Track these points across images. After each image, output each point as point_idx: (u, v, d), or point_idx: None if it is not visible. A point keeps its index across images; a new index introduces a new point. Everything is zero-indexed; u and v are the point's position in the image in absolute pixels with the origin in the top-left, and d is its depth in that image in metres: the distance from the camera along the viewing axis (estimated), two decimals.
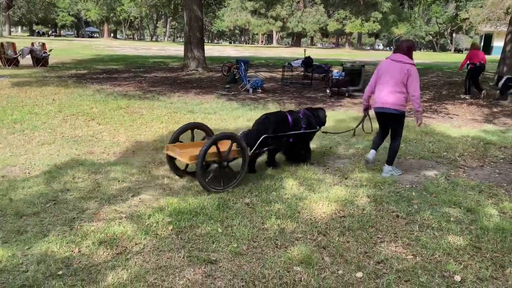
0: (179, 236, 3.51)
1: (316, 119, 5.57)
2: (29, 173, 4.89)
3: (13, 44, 17.27)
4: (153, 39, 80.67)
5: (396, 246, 3.48)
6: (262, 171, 5.24)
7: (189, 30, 16.90)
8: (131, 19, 70.92)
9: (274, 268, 3.08)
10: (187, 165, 4.88)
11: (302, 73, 16.21)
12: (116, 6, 61.15)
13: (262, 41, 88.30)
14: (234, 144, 4.62)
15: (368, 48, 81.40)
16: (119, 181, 4.73)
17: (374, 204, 4.33)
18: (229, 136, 4.63)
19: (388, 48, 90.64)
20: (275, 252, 3.33)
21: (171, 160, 4.83)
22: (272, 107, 9.80)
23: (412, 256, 3.32)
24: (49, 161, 5.30)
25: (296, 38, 68.82)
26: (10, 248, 3.18)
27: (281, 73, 15.56)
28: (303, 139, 5.44)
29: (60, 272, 2.91)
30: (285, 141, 5.23)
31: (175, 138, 4.91)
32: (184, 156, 4.50)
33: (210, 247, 3.34)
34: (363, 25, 55.28)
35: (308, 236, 3.60)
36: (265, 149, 5.08)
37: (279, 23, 60.33)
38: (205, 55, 18.09)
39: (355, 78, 12.79)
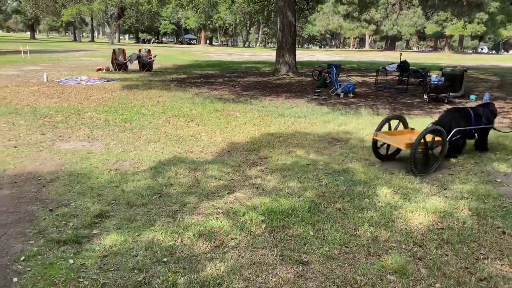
0: (272, 235, 3.62)
1: (492, 114, 6.33)
2: (137, 167, 5.39)
3: (123, 51, 19.08)
4: (245, 45, 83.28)
5: (502, 265, 3.22)
6: (350, 176, 5.17)
7: (282, 35, 17.19)
8: (226, 26, 74.01)
9: (366, 274, 3.05)
10: (387, 151, 5.91)
11: (397, 77, 15.57)
12: (213, 14, 64.30)
13: (354, 45, 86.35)
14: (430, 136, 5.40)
15: (471, 51, 75.27)
16: (216, 178, 5.00)
17: (476, 218, 4.04)
18: (438, 130, 5.38)
19: (494, 51, 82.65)
20: (367, 259, 3.29)
21: (375, 145, 5.80)
22: (365, 112, 9.58)
23: None
24: (154, 158, 5.79)
25: (390, 42, 66.20)
26: (123, 234, 3.55)
27: (375, 77, 15.11)
28: (483, 131, 6.23)
29: (165, 259, 3.18)
30: (469, 133, 6.06)
31: (380, 127, 5.80)
32: (400, 143, 5.43)
33: (302, 249, 3.40)
34: (466, 27, 51.32)
35: (403, 246, 3.49)
36: (454, 138, 5.82)
37: (373, 27, 58.56)
38: (296, 60, 18.24)
39: (455, 84, 11.97)
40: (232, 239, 3.53)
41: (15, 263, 3.08)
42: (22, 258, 3.14)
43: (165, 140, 6.78)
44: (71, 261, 3.12)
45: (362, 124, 8.34)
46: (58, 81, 13.71)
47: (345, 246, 3.48)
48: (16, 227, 3.63)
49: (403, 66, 14.84)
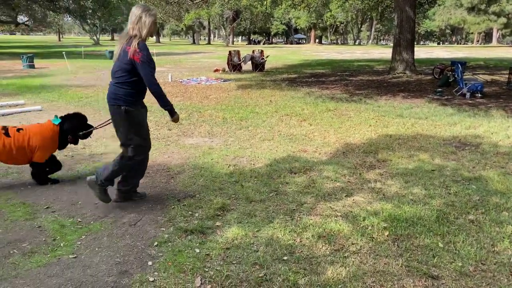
0: (396, 243, 3.40)
1: None
2: (254, 164, 5.52)
3: (238, 52, 19.89)
4: (356, 43, 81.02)
5: None
6: (484, 185, 4.63)
7: (399, 32, 16.27)
8: (336, 24, 72.82)
9: None
10: None
11: None
12: (324, 12, 63.76)
13: (478, 40, 78.30)
14: None
15: None
16: (332, 180, 4.89)
17: None
18: None
19: None
20: (509, 280, 2.89)
21: None
22: (497, 115, 8.57)
23: None
24: (269, 155, 5.89)
25: None
26: (243, 228, 3.65)
27: (508, 76, 13.46)
28: None
29: (285, 258, 3.18)
30: None
31: None
32: None
33: (431, 261, 3.12)
34: None
35: None
36: None
37: (502, 20, 52.40)
38: (414, 57, 17.12)
39: None
40: (352, 244, 3.39)
41: (149, 248, 3.35)
42: (155, 243, 3.40)
43: (279, 139, 6.86)
44: (197, 250, 3.29)
45: (495, 127, 7.46)
46: (181, 81, 14.82)
47: (482, 263, 3.11)
48: (150, 214, 3.96)
49: None
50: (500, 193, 4.44)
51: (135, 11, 3.76)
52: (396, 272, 3.00)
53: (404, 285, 2.85)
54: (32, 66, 18.93)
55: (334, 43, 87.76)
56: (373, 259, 3.16)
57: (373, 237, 3.48)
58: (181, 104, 10.09)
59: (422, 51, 37.79)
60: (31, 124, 4.75)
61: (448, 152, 5.99)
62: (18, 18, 41.37)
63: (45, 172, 4.69)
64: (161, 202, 4.25)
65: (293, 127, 7.70)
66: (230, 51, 19.94)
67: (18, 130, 4.46)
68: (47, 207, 4.08)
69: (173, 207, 4.11)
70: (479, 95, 11.13)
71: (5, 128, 4.42)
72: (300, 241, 3.43)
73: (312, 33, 79.22)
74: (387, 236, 3.50)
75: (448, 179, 4.89)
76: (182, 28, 72.77)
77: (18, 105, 9.53)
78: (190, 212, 3.98)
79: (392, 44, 18.80)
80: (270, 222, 3.78)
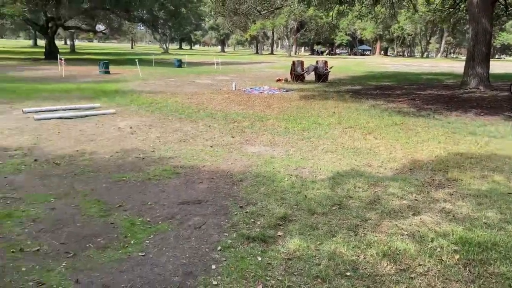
0: (467, 268, 3.21)
1: None
2: (316, 176, 5.48)
3: (301, 63, 19.92)
4: (423, 55, 77.83)
5: None
6: None
7: (474, 45, 15.41)
8: (404, 36, 70.55)
9: None
10: None
11: None
12: (392, 24, 62.08)
13: None
14: None
15: None
16: (398, 197, 4.72)
17: None
18: None
19: None
20: None
21: None
22: None
23: None
24: (332, 168, 5.81)
25: None
26: (305, 240, 3.63)
27: None
28: None
29: (348, 273, 3.12)
30: None
31: None
32: None
33: None
34: None
35: None
36: None
37: None
38: (489, 72, 16.12)
39: None
40: (419, 264, 3.25)
41: (213, 251, 3.44)
42: (219, 248, 3.48)
43: (342, 151, 6.75)
44: (259, 258, 3.32)
45: None
46: (244, 90, 15.11)
47: None
48: (214, 219, 4.07)
49: None
50: None
51: None
52: None
53: None
54: (108, 72, 20.24)
55: (400, 55, 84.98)
56: (442, 283, 3.01)
57: (442, 260, 3.31)
58: (244, 112, 10.27)
59: (498, 66, 35.49)
60: None
61: None
62: (96, 27, 44.58)
63: None
64: (225, 207, 4.35)
65: (357, 140, 7.55)
66: (293, 61, 20.01)
67: None
68: (119, 206, 4.33)
69: (235, 213, 4.19)
70: None
71: None
72: (364, 258, 3.34)
73: (378, 45, 77.34)
74: (458, 259, 3.31)
75: None
76: (247, 39, 74.22)
77: (94, 108, 10.23)
78: (252, 220, 4.03)
79: (463, 58, 17.85)
80: (332, 236, 3.72)
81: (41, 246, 3.43)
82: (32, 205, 4.25)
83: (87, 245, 3.49)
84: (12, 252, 3.32)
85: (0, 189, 4.65)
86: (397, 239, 3.65)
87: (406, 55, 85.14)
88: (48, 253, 3.33)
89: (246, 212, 4.21)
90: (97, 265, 3.20)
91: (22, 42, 79.68)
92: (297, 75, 19.13)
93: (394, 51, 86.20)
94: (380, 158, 6.38)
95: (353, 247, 3.50)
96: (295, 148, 6.98)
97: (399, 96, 14.31)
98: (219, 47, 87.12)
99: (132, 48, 76.57)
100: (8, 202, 4.32)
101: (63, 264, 3.17)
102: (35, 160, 5.80)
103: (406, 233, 3.79)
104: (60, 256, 3.30)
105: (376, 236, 3.71)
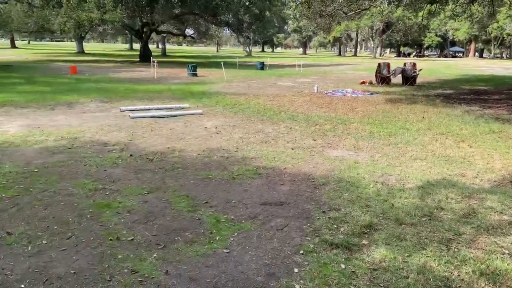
0: None
1: None
2: (403, 184, 5.21)
3: (388, 65, 19.15)
4: None
5: None
6: None
7: None
8: (503, 36, 64.60)
9: None
10: None
11: None
12: (489, 23, 57.24)
13: None
14: None
15: None
16: (497, 211, 4.32)
17: None
18: None
19: None
20: None
21: None
22: None
23: None
24: (421, 176, 5.49)
25: None
26: (392, 251, 3.46)
27: None
28: None
29: None
30: None
31: None
32: None
33: None
34: None
35: None
36: None
37: None
38: None
39: None
40: None
41: (295, 255, 3.42)
42: (301, 251, 3.46)
43: (433, 159, 6.35)
44: (343, 266, 3.24)
45: None
46: (326, 93, 14.91)
47: None
48: (296, 221, 4.05)
49: None
50: None
51: None
52: None
53: None
54: (195, 74, 21.22)
55: (497, 57, 77.89)
56: None
57: None
58: (326, 115, 10.13)
59: None
60: None
61: None
62: (186, 31, 47.00)
63: None
64: (306, 211, 4.31)
65: (449, 148, 7.05)
66: (379, 63, 19.31)
67: None
68: (206, 202, 4.50)
69: (318, 217, 4.13)
70: None
71: None
72: (458, 275, 3.10)
73: (472, 46, 71.72)
74: None
75: None
76: (329, 40, 73.19)
77: (183, 108, 10.78)
78: (335, 226, 3.94)
79: None
80: (422, 248, 3.51)
81: (135, 236, 3.68)
82: (128, 197, 4.59)
83: (176, 238, 3.67)
84: (110, 240, 3.60)
85: (101, 181, 5.09)
86: (496, 257, 3.34)
87: (505, 57, 77.81)
88: (141, 243, 3.56)
89: (329, 217, 4.13)
90: (184, 258, 3.34)
91: (119, 46, 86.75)
92: (383, 78, 18.42)
93: (490, 52, 79.30)
94: (476, 168, 5.89)
95: (445, 263, 3.26)
96: (381, 153, 6.71)
97: (497, 101, 13.12)
98: (301, 49, 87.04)
99: (217, 51, 79.52)
100: (107, 193, 4.70)
101: (154, 255, 3.37)
102: (131, 155, 6.25)
103: (507, 251, 3.45)
104: (152, 247, 3.51)
105: (472, 253, 3.42)
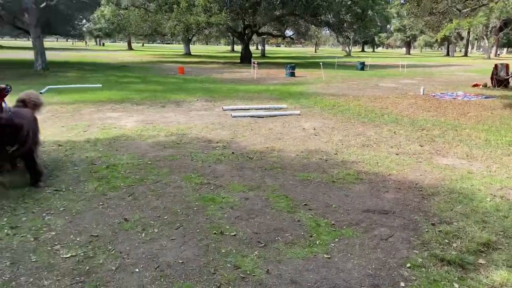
0: None
1: None
2: None
3: (506, 66, 17.24)
4: None
5: None
6: None
7: None
8: None
9: None
10: None
11: None
12: None
13: None
14: None
15: None
16: None
17: None
18: None
19: None
20: None
21: None
22: None
23: None
24: None
25: None
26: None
27: None
28: None
29: None
30: None
31: None
32: None
33: None
34: None
35: None
36: None
37: None
38: None
39: None
40: None
41: (401, 267, 3.22)
42: (408, 265, 3.24)
43: None
44: (456, 285, 2.96)
45: None
46: (434, 95, 13.91)
47: None
48: (401, 232, 3.82)
49: None
50: None
51: None
52: None
53: None
54: (293, 75, 21.30)
55: None
56: None
57: None
58: (434, 119, 9.43)
59: None
60: None
61: None
62: (285, 32, 47.46)
63: None
64: (414, 222, 4.04)
65: None
66: (496, 64, 17.47)
67: None
68: (304, 204, 4.46)
69: (426, 230, 3.85)
70: None
71: None
72: None
73: None
74: None
75: None
76: (436, 40, 68.30)
77: (281, 109, 10.87)
78: (446, 240, 3.63)
79: None
80: None
81: (237, 232, 3.78)
82: (230, 193, 4.74)
83: (276, 238, 3.69)
84: (214, 233, 3.75)
85: (206, 176, 5.33)
86: None
87: None
88: (243, 240, 3.65)
89: (439, 230, 3.82)
90: (285, 259, 3.34)
91: (222, 48, 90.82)
92: (500, 80, 16.62)
93: None
94: None
95: None
96: (499, 164, 6.04)
97: None
98: (404, 49, 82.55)
99: (315, 51, 79.02)
100: (212, 188, 4.91)
101: (255, 253, 3.42)
102: (232, 153, 6.46)
103: None
104: (253, 244, 3.57)
105: None
